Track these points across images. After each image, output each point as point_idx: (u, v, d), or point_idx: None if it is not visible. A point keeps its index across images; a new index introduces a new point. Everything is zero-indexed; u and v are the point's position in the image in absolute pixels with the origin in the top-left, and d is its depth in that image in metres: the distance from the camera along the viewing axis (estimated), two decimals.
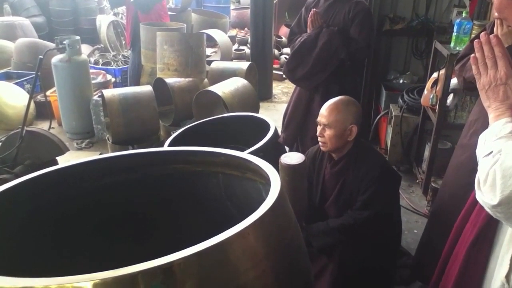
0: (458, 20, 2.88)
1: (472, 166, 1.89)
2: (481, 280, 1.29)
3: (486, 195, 1.05)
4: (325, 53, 3.02)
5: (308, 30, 3.13)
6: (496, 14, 1.35)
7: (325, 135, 2.05)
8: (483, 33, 1.16)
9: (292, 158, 1.74)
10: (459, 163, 2.07)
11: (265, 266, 0.95)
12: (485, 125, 1.83)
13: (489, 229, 1.27)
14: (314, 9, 3.10)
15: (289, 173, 1.72)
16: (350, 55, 3.02)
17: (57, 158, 3.11)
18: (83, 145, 4.48)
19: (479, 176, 1.09)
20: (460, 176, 2.02)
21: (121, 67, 5.85)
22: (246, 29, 8.64)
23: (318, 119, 2.09)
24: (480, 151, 1.15)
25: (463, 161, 2.02)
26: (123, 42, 7.47)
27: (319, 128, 2.08)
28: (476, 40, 1.16)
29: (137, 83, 4.83)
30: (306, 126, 3.29)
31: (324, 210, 2.19)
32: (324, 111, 2.06)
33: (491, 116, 1.16)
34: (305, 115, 3.29)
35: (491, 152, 1.07)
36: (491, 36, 1.14)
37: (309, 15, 3.10)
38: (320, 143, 2.10)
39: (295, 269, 1.07)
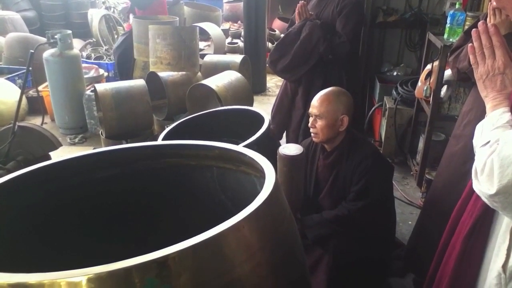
0: (451, 12, 2.89)
1: (465, 156, 1.91)
2: (478, 270, 1.30)
3: (483, 184, 1.05)
4: (306, 46, 3.00)
5: (296, 22, 3.12)
6: (494, 3, 1.35)
7: (316, 126, 2.06)
8: (480, 22, 1.15)
9: (291, 149, 1.75)
10: (452, 153, 2.08)
11: (260, 258, 0.95)
12: (478, 115, 1.85)
13: (485, 219, 1.27)
14: (302, 1, 3.08)
15: (287, 164, 1.72)
16: (331, 49, 2.99)
17: (50, 153, 3.09)
18: (76, 140, 4.45)
19: (476, 165, 1.09)
20: (454, 166, 2.03)
21: (113, 61, 5.80)
22: (239, 22, 8.60)
23: (310, 110, 2.10)
24: (477, 141, 1.15)
25: (457, 151, 2.03)
26: (115, 36, 7.41)
27: (310, 119, 2.10)
28: (474, 29, 1.16)
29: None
30: (290, 118, 3.30)
31: (318, 202, 2.20)
32: (315, 102, 2.07)
33: (488, 106, 1.16)
34: (290, 108, 3.29)
35: (488, 142, 1.07)
36: (489, 25, 1.13)
37: (297, 7, 3.08)
38: (312, 134, 2.12)
39: (290, 261, 1.07)
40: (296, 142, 3.03)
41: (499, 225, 1.23)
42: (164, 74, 3.85)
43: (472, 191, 1.25)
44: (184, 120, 2.72)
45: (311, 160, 2.23)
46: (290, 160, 1.72)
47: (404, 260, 2.42)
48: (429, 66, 3.14)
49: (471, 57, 1.19)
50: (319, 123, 2.05)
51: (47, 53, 4.31)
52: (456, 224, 1.48)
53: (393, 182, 2.27)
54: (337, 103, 2.04)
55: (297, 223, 2.05)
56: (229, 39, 7.42)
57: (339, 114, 2.04)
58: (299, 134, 3.21)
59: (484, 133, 1.12)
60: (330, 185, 2.13)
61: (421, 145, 3.42)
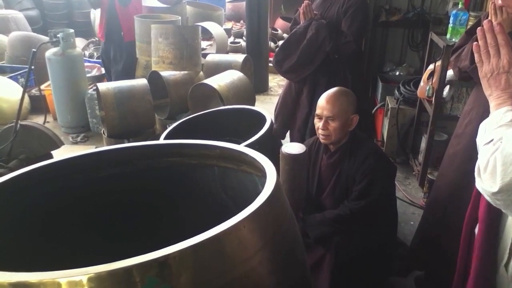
0: (454, 11, 2.88)
1: (467, 156, 1.90)
2: (493, 270, 1.29)
3: (486, 182, 1.04)
4: (312, 46, 2.98)
5: (301, 22, 3.11)
6: (499, 1, 1.35)
7: (329, 128, 2.02)
8: (486, 20, 1.15)
9: (294, 148, 1.75)
10: (454, 152, 2.07)
11: (261, 257, 0.95)
12: (480, 114, 1.84)
13: (496, 219, 1.26)
14: (307, 1, 3.07)
15: (290, 163, 1.72)
16: (337, 49, 2.98)
17: (52, 152, 3.10)
18: (78, 139, 4.46)
19: (479, 163, 1.08)
20: (456, 165, 2.03)
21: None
22: (241, 21, 8.59)
23: (319, 112, 2.05)
24: (480, 140, 1.14)
25: (459, 151, 2.02)
26: None
27: (320, 122, 2.05)
28: (479, 28, 1.15)
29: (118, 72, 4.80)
30: (295, 118, 3.29)
31: (320, 201, 2.19)
32: (326, 104, 2.03)
33: (492, 104, 1.15)
34: (294, 107, 3.28)
35: (491, 140, 1.07)
36: (494, 23, 1.13)
37: (302, 7, 3.07)
38: (321, 136, 2.07)
39: (291, 260, 1.07)
40: (301, 141, 3.02)
41: (503, 223, 1.23)
42: (166, 73, 3.85)
43: (479, 193, 1.25)
44: (186, 120, 2.73)
45: (314, 159, 2.23)
46: (293, 158, 1.72)
47: (408, 258, 2.42)
48: (431, 66, 3.13)
49: (475, 55, 1.18)
50: (332, 124, 2.02)
51: (50, 52, 4.32)
52: (472, 225, 1.47)
53: (395, 182, 2.26)
54: (347, 103, 2.03)
55: (299, 222, 2.05)
56: (231, 39, 7.41)
57: (350, 114, 2.03)
58: (306, 133, 3.20)
59: (488, 132, 1.11)
60: (333, 184, 2.13)
61: (423, 145, 3.41)
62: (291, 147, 1.77)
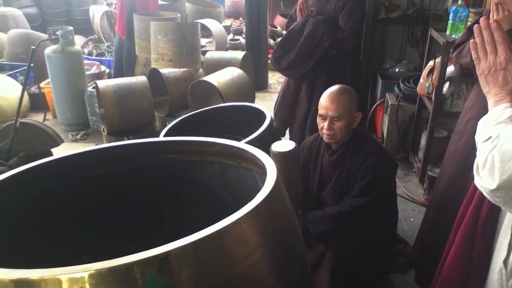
0: (454, 8, 2.87)
1: (467, 152, 1.91)
2: (487, 266, 1.29)
3: (485, 179, 1.05)
4: (310, 42, 2.99)
5: (298, 19, 3.12)
6: None
7: (334, 128, 2.00)
8: (482, 18, 1.15)
9: (283, 145, 1.73)
10: (455, 149, 2.07)
11: (261, 254, 0.95)
12: (480, 111, 1.84)
13: (492, 216, 1.26)
14: None
15: (280, 161, 1.71)
16: (335, 44, 2.98)
17: (52, 150, 3.10)
18: (78, 136, 4.46)
19: (478, 161, 1.08)
20: (456, 162, 2.03)
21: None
22: (241, 18, 8.57)
23: (323, 112, 2.03)
24: (479, 137, 1.14)
25: (459, 147, 2.03)
26: None
27: (324, 122, 2.03)
28: (475, 25, 1.16)
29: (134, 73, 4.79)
30: (294, 114, 3.30)
31: (321, 199, 2.19)
32: (331, 104, 2.00)
33: (490, 101, 1.15)
34: (294, 104, 3.28)
35: (490, 137, 1.07)
36: (491, 21, 1.13)
37: (298, 3, 3.07)
38: (326, 136, 2.05)
39: (291, 257, 1.07)
40: (302, 137, 3.03)
41: (500, 221, 1.23)
42: (165, 70, 3.84)
43: (476, 189, 1.25)
44: (185, 117, 2.72)
45: (315, 157, 2.22)
46: (283, 156, 1.70)
47: (409, 258, 2.42)
48: (431, 63, 3.13)
49: (473, 52, 1.18)
50: (338, 124, 2.00)
51: (49, 50, 4.31)
52: (463, 222, 1.47)
53: (396, 179, 2.26)
54: (351, 101, 2.02)
55: (299, 219, 2.05)
56: (230, 36, 7.40)
57: (354, 112, 2.03)
58: (306, 130, 3.20)
59: (486, 129, 1.11)
60: (334, 182, 2.12)
61: (423, 141, 3.41)
62: (280, 145, 1.74)
